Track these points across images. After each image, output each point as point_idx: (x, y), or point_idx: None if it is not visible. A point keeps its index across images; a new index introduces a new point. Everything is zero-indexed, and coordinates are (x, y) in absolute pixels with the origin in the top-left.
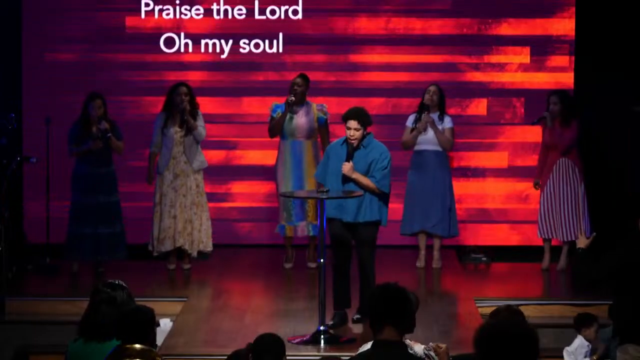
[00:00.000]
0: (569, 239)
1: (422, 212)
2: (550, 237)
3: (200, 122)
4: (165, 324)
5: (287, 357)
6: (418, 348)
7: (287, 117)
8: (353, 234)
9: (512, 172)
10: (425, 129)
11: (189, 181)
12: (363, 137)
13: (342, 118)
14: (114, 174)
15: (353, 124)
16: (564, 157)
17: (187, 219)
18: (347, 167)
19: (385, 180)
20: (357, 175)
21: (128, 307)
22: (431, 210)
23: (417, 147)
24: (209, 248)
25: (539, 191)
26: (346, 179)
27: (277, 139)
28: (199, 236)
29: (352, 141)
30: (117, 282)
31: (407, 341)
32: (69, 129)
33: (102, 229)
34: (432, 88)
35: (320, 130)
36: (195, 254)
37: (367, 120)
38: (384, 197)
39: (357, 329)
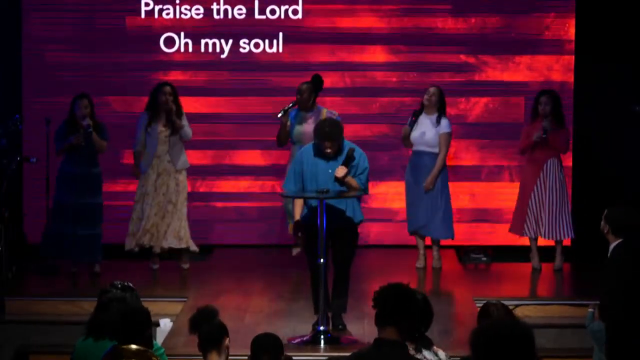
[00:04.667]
0: (560, 238)
1: (414, 212)
2: (537, 236)
3: (184, 122)
4: (165, 324)
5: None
6: (442, 355)
7: (295, 123)
8: (335, 236)
9: (512, 171)
10: (406, 135)
11: (170, 180)
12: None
13: (316, 134)
14: (99, 175)
15: (329, 144)
16: (554, 158)
17: (162, 217)
18: (342, 171)
19: (367, 181)
20: (348, 179)
21: (124, 308)
22: (420, 212)
23: (414, 148)
24: (173, 245)
25: (522, 190)
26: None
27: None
28: (168, 232)
29: (329, 154)
30: (125, 283)
31: (434, 347)
32: (55, 129)
33: (82, 230)
34: (431, 89)
35: None
36: (158, 250)
37: (341, 138)
38: (359, 197)
39: (358, 329)
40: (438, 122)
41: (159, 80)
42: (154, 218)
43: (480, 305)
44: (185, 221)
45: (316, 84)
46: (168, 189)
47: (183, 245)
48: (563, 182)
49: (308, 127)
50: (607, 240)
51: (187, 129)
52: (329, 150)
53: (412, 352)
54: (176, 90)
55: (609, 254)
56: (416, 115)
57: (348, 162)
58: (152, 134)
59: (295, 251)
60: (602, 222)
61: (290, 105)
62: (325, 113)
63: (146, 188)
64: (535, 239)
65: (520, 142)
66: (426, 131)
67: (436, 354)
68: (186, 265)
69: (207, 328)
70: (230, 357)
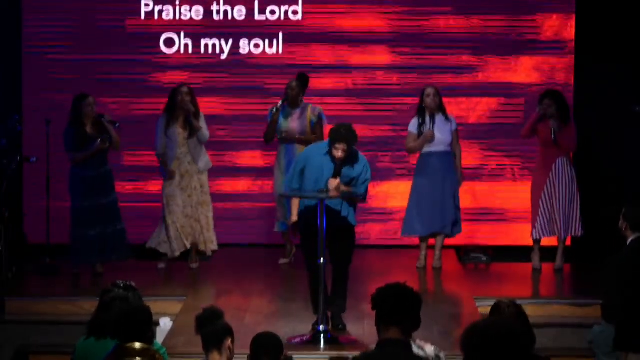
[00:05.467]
0: (566, 235)
1: (437, 214)
2: (545, 236)
3: (202, 124)
4: (165, 324)
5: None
6: (429, 349)
7: (281, 119)
8: (332, 236)
9: (512, 171)
10: (432, 140)
11: (193, 181)
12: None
13: (330, 135)
14: (111, 173)
15: (342, 146)
16: (563, 157)
17: (195, 218)
18: (334, 183)
19: (366, 192)
20: (343, 189)
21: (126, 307)
22: (446, 212)
23: (424, 150)
24: (216, 247)
25: (534, 192)
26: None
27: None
28: (209, 235)
29: (339, 159)
30: (128, 283)
31: (419, 342)
32: (63, 134)
33: (107, 229)
34: (430, 90)
35: (314, 132)
36: (209, 252)
37: (355, 143)
38: (355, 202)
39: (358, 329)
40: (447, 119)
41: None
42: (185, 219)
43: (480, 305)
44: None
45: (303, 82)
46: (194, 191)
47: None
48: (573, 180)
49: (293, 123)
50: (623, 236)
51: (205, 131)
52: (340, 154)
53: None
54: (193, 92)
55: (626, 246)
56: (423, 119)
57: (337, 172)
58: (172, 137)
59: (283, 261)
60: (621, 220)
61: (282, 102)
62: (310, 109)
63: (172, 189)
64: (539, 240)
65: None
66: (442, 132)
67: (422, 349)
68: (195, 265)
69: (210, 328)
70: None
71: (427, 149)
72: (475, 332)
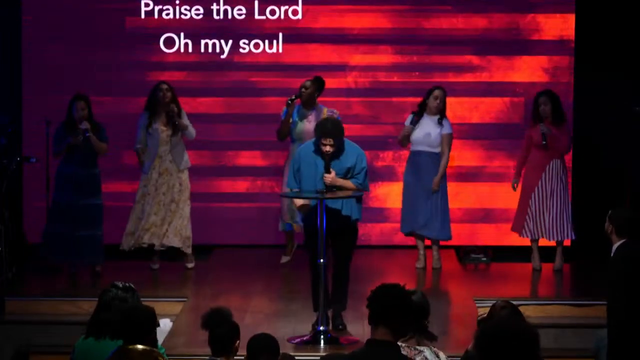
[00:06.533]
0: (560, 238)
1: (412, 213)
2: (527, 237)
3: (187, 121)
4: (165, 324)
5: None
6: (442, 356)
7: (297, 120)
8: (333, 235)
9: (511, 172)
10: (405, 133)
11: (172, 180)
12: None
13: (316, 131)
14: (98, 177)
15: (329, 141)
16: (557, 159)
17: (163, 216)
18: (329, 178)
19: (367, 181)
20: (341, 182)
21: (129, 308)
22: (419, 212)
23: (413, 148)
24: (174, 244)
25: (524, 191)
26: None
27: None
28: (167, 231)
29: (327, 153)
30: (127, 284)
31: (433, 349)
32: (55, 130)
33: (81, 232)
34: (439, 93)
35: None
36: (159, 246)
37: (341, 136)
38: (359, 196)
39: (358, 329)
40: (440, 123)
41: (159, 81)
42: (153, 217)
43: (480, 305)
44: (188, 221)
45: (319, 84)
46: (170, 189)
47: (184, 246)
48: (565, 184)
49: (309, 124)
50: (609, 240)
51: (191, 129)
52: (328, 148)
53: (413, 344)
54: (173, 89)
55: (612, 254)
56: (418, 115)
57: (327, 167)
58: (154, 134)
59: (285, 259)
60: (607, 223)
61: (294, 97)
62: (326, 112)
63: (147, 188)
64: (536, 240)
65: (520, 155)
66: (431, 132)
67: (437, 355)
68: (191, 265)
69: (220, 332)
70: None
71: (414, 147)
72: (489, 332)
